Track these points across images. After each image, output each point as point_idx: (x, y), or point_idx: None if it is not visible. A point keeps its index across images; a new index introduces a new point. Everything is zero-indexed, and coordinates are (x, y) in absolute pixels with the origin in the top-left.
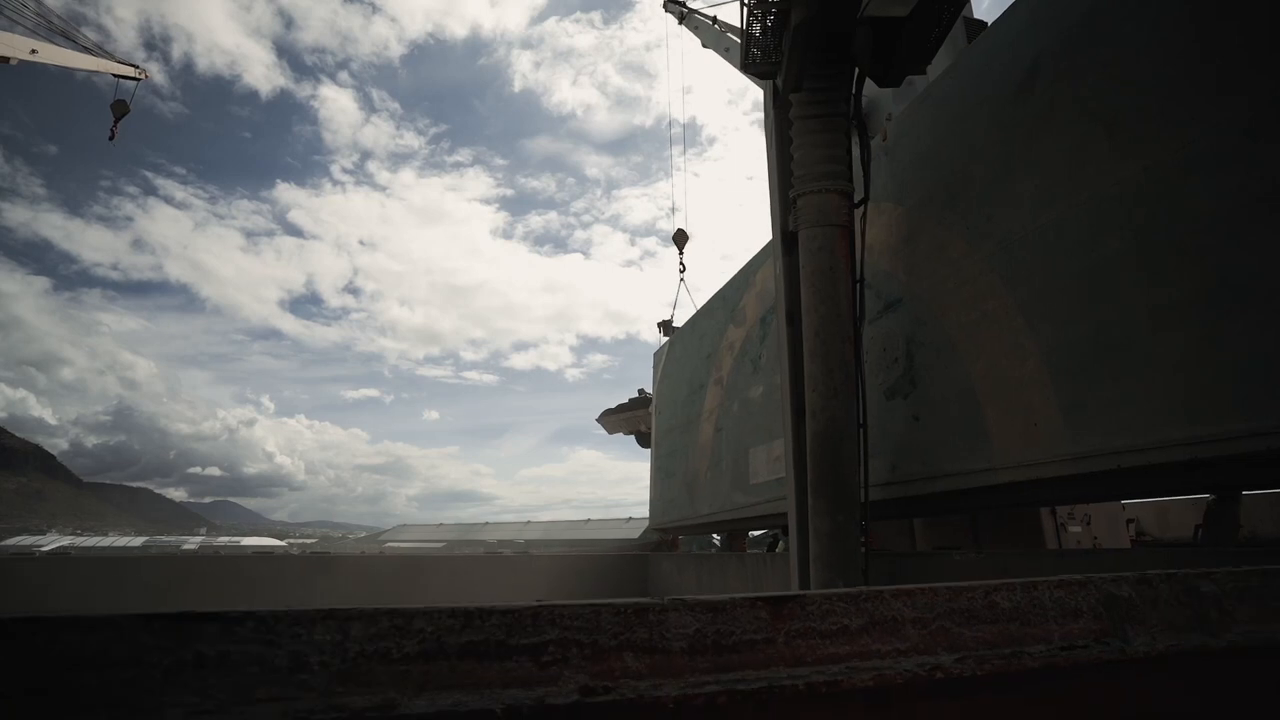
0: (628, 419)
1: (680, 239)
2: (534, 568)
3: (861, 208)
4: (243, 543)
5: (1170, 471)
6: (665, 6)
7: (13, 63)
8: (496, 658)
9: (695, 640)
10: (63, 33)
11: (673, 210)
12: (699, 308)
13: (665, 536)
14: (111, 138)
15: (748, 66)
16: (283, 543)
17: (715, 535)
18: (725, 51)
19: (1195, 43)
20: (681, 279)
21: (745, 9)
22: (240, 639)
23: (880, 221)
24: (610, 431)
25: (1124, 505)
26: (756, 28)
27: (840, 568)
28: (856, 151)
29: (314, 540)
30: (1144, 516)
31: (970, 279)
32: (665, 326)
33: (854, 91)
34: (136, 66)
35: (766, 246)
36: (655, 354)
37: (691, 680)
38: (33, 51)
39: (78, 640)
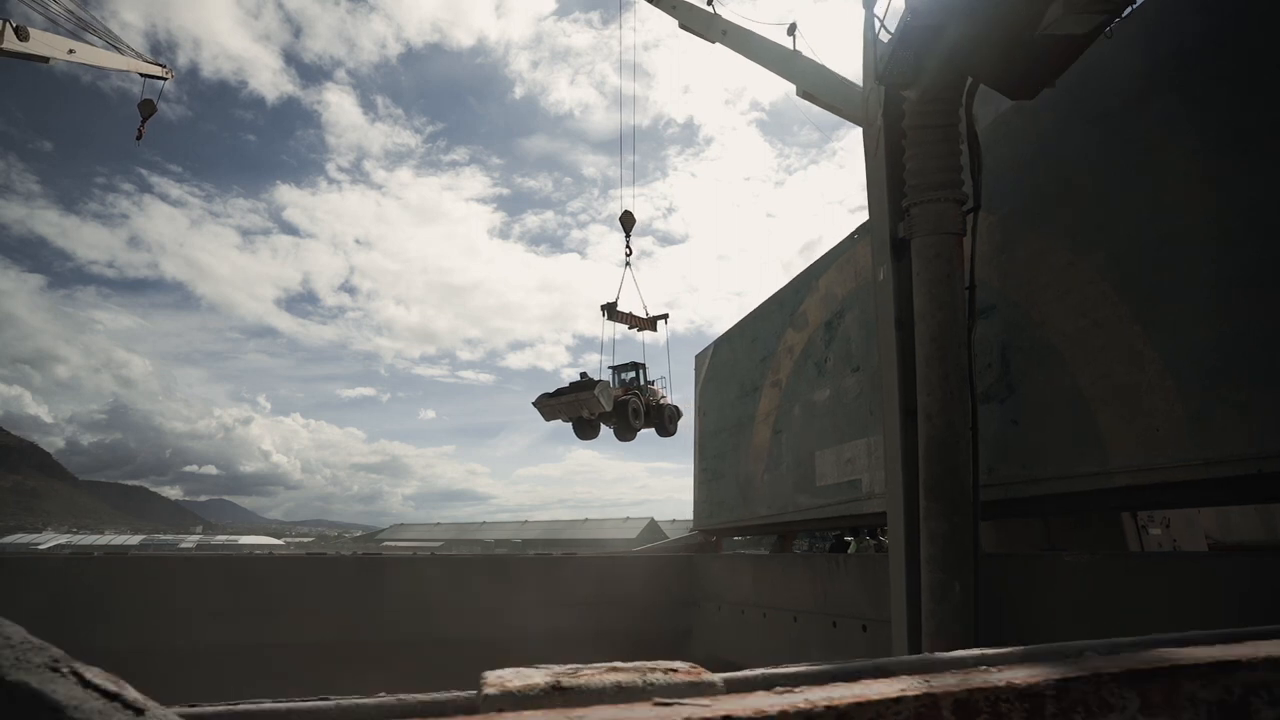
0: (568, 404)
1: (627, 221)
2: (579, 569)
3: (971, 215)
4: (240, 541)
5: None
6: None
7: (51, 63)
8: None
9: None
10: (86, 27)
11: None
12: (751, 311)
13: (709, 539)
14: (139, 137)
15: (882, 77)
16: (280, 541)
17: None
18: (723, 35)
19: None
20: (628, 263)
21: (876, 19)
22: None
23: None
24: (548, 418)
25: (1199, 510)
26: (883, 34)
27: (955, 569)
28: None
29: (310, 539)
30: (1204, 520)
31: (1074, 288)
32: (610, 309)
33: (967, 100)
34: (163, 65)
35: (827, 254)
36: (697, 356)
37: None
38: (70, 51)
39: None
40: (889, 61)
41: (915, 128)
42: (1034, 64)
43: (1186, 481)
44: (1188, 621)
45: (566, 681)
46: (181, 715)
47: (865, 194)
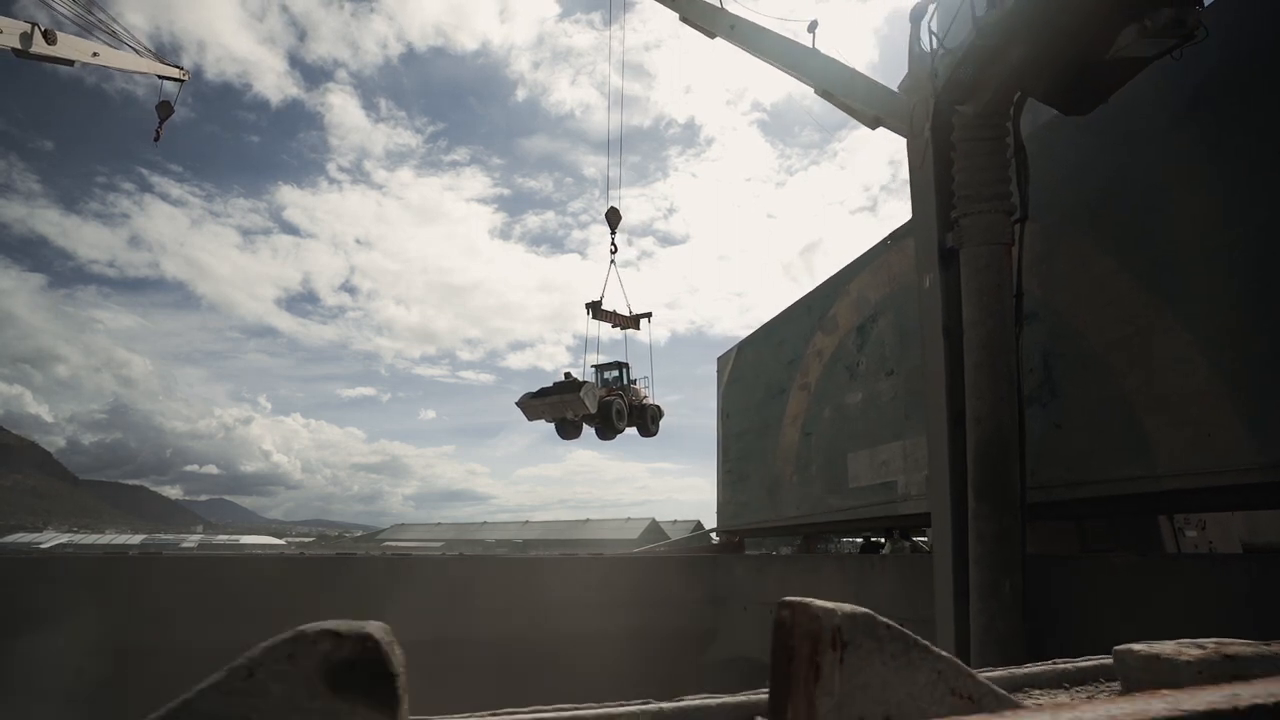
0: (553, 404)
1: (613, 218)
2: (604, 569)
3: (1019, 225)
4: (241, 541)
5: None
6: None
7: (75, 65)
8: None
9: None
10: (98, 26)
11: (612, 191)
12: (776, 314)
13: (732, 539)
14: (156, 139)
15: (940, 92)
16: (281, 541)
17: (714, 536)
18: (730, 30)
19: None
20: (613, 260)
21: (933, 35)
22: None
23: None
24: (531, 418)
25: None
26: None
27: (1004, 569)
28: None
29: (311, 539)
30: (1232, 522)
31: (1119, 296)
32: (594, 308)
33: (1015, 114)
34: (180, 68)
35: (859, 259)
36: (720, 359)
37: None
38: (94, 55)
39: None
40: (949, 78)
41: (965, 140)
42: (1092, 82)
43: (1238, 485)
44: (1236, 622)
45: (1227, 651)
46: None
47: (867, 195)
